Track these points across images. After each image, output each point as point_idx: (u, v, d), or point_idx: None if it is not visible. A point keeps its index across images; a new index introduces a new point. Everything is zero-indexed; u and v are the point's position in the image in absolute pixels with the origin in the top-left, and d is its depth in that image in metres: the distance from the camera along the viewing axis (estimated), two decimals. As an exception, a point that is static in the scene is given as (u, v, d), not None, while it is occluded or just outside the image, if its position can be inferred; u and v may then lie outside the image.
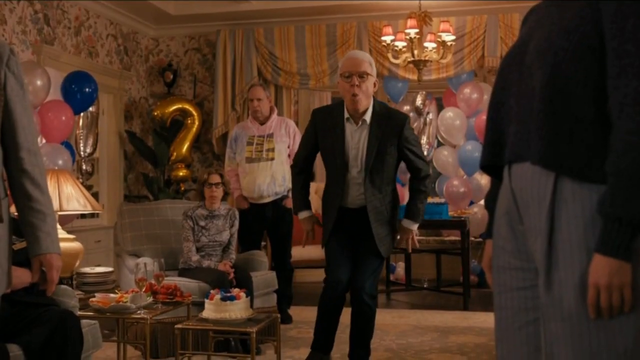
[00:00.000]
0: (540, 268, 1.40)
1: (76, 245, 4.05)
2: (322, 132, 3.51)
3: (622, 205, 1.26)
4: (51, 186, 3.99)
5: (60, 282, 3.17)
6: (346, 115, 3.46)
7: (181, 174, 7.19)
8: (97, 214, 6.51)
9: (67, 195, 3.96)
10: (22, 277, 2.77)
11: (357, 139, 3.45)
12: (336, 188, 3.48)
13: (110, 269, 4.05)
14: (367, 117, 3.45)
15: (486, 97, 6.54)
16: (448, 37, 6.01)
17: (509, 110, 1.52)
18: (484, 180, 6.65)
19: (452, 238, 7.11)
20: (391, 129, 3.43)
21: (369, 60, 3.46)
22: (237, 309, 3.20)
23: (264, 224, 5.12)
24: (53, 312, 2.71)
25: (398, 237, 3.60)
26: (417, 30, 5.94)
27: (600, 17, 1.36)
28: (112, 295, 3.46)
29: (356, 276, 3.49)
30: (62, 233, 4.09)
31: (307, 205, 3.67)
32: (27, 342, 2.60)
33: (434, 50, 6.07)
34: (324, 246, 3.58)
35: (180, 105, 7.23)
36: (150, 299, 3.45)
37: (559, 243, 1.36)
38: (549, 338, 1.40)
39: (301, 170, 3.67)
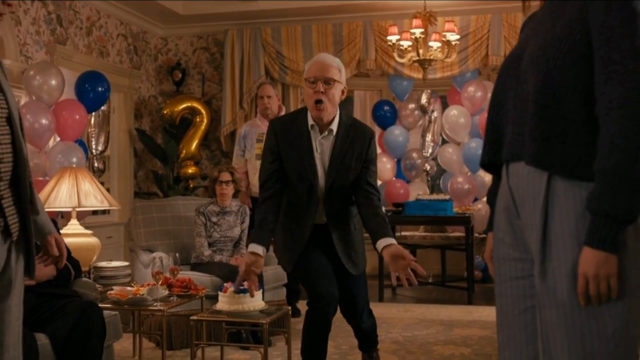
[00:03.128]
0: (535, 259, 1.53)
1: (93, 240, 4.20)
2: (286, 144, 3.06)
3: (608, 202, 1.39)
4: (69, 183, 4.14)
5: (80, 275, 3.30)
6: (310, 122, 3.06)
7: (190, 171, 7.31)
8: (108, 210, 6.65)
9: (85, 192, 4.10)
10: (46, 269, 2.92)
11: (322, 149, 3.08)
12: (309, 204, 3.05)
13: (126, 264, 4.19)
14: (334, 126, 3.08)
15: (489, 95, 6.65)
16: (452, 37, 6.12)
17: (506, 112, 1.65)
18: (487, 177, 6.76)
19: (457, 234, 7.22)
20: (358, 142, 3.08)
21: (337, 66, 3.06)
22: (250, 301, 3.31)
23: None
24: (77, 303, 2.85)
25: (393, 271, 2.93)
26: (422, 30, 6.05)
27: (589, 27, 1.47)
28: (129, 288, 3.59)
29: (350, 310, 3.21)
30: (80, 228, 4.24)
31: (265, 240, 2.95)
32: (54, 332, 2.75)
33: (439, 49, 6.18)
34: (289, 271, 3.13)
35: (189, 104, 7.35)
36: (166, 292, 3.58)
37: (552, 236, 1.48)
38: (544, 323, 1.52)
39: (274, 193, 3.03)
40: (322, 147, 3.07)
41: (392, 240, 2.94)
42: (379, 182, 7.33)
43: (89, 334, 2.77)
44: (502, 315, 1.64)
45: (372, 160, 3.13)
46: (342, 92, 3.09)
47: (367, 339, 3.42)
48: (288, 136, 3.07)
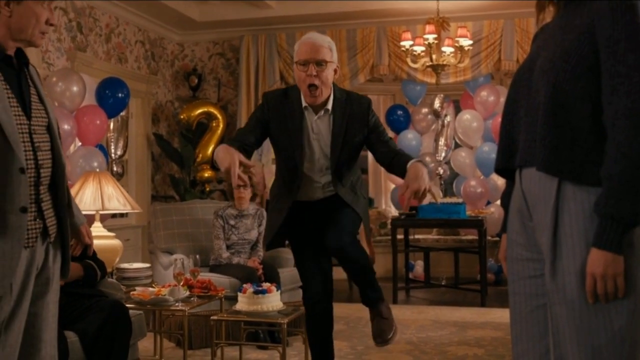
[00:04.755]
0: (546, 258, 1.61)
1: (116, 242, 4.32)
2: (277, 120, 3.01)
3: (614, 206, 1.48)
4: (93, 187, 4.27)
5: (105, 276, 3.42)
6: (304, 103, 3.00)
7: (206, 175, 7.43)
8: (126, 213, 6.78)
9: (108, 195, 4.23)
10: (75, 270, 3.04)
11: (318, 130, 3.02)
12: (291, 183, 3.06)
13: (147, 265, 4.30)
14: (329, 105, 3.01)
15: (502, 100, 6.72)
16: (465, 42, 6.20)
17: (519, 120, 1.74)
18: (500, 180, 6.82)
19: (470, 237, 7.30)
20: (355, 116, 3.02)
21: (328, 45, 2.96)
22: (269, 301, 3.42)
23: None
24: (104, 302, 2.97)
25: (408, 188, 2.75)
26: (435, 36, 6.14)
27: (596, 41, 1.56)
28: (150, 289, 3.70)
29: (330, 237, 2.98)
30: (103, 231, 4.37)
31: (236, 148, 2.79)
32: (82, 329, 2.86)
33: (452, 54, 6.26)
34: (267, 246, 3.18)
35: (205, 109, 7.47)
36: (186, 293, 3.68)
37: (562, 237, 1.57)
38: (554, 320, 1.62)
39: (238, 148, 2.81)
40: (319, 128, 3.02)
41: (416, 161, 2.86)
42: (392, 186, 7.44)
43: (115, 331, 2.88)
44: (516, 312, 1.73)
45: (377, 124, 3.08)
46: (335, 71, 3.00)
47: (360, 275, 3.08)
48: (280, 113, 3.01)
